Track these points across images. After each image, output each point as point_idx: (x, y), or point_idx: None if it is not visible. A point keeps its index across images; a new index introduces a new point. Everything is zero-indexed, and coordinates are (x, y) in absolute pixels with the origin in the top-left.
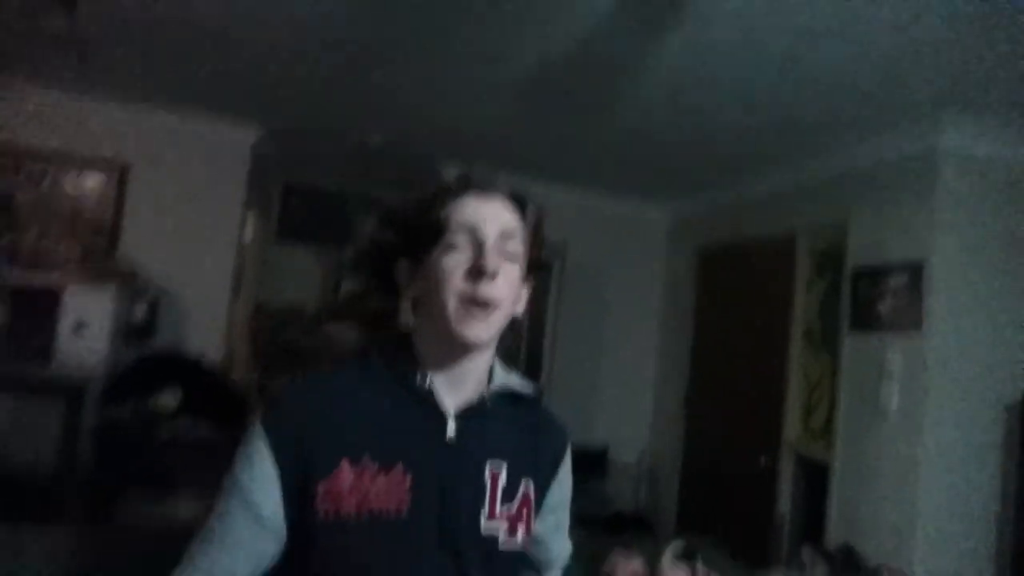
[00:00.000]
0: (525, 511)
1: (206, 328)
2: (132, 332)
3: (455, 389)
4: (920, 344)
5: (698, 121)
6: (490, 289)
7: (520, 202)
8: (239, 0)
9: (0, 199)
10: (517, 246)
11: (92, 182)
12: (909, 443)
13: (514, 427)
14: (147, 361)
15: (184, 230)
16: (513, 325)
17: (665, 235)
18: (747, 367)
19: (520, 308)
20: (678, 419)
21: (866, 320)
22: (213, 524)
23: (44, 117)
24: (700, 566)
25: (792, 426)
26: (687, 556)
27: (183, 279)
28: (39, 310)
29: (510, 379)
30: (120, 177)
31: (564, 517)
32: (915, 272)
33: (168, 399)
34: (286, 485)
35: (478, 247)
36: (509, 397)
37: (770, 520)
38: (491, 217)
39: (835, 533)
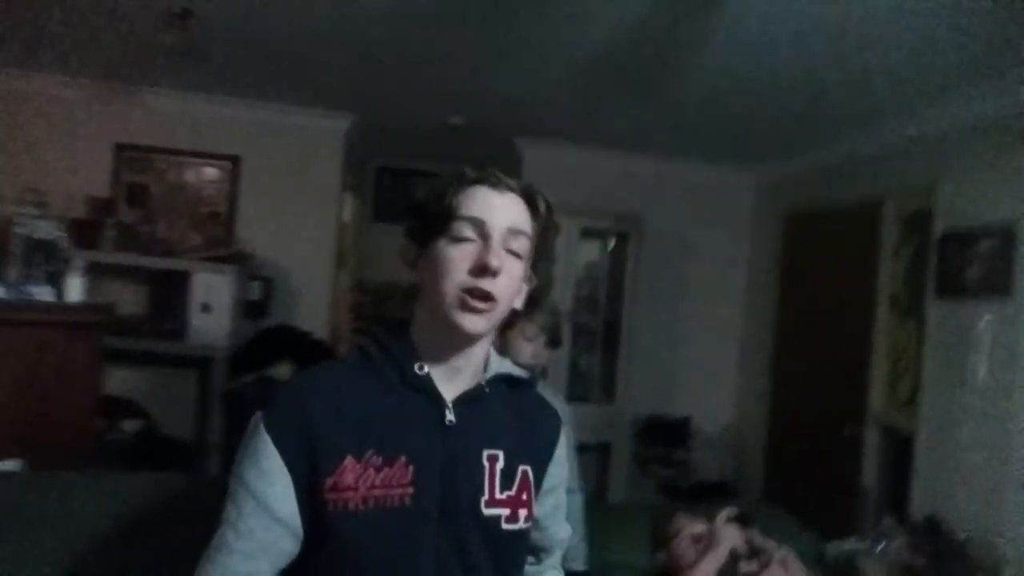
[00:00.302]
0: (525, 495)
1: (313, 304)
2: (249, 310)
3: (452, 378)
4: (1010, 311)
5: (779, 84)
6: (492, 285)
7: (531, 199)
8: (325, 2)
9: (138, 189)
10: (524, 243)
11: (210, 174)
12: (997, 413)
13: (510, 413)
14: (265, 335)
15: (289, 214)
16: (555, 314)
17: (750, 201)
18: (832, 335)
19: (519, 302)
20: (763, 389)
21: (953, 286)
22: (226, 535)
23: (168, 119)
24: (753, 530)
25: (877, 396)
26: (741, 520)
27: (291, 260)
28: (173, 293)
29: (505, 366)
30: (233, 169)
31: (561, 499)
32: (1006, 236)
33: (283, 370)
34: (298, 484)
35: (484, 241)
36: (505, 383)
37: (854, 490)
38: (500, 211)
39: (920, 504)
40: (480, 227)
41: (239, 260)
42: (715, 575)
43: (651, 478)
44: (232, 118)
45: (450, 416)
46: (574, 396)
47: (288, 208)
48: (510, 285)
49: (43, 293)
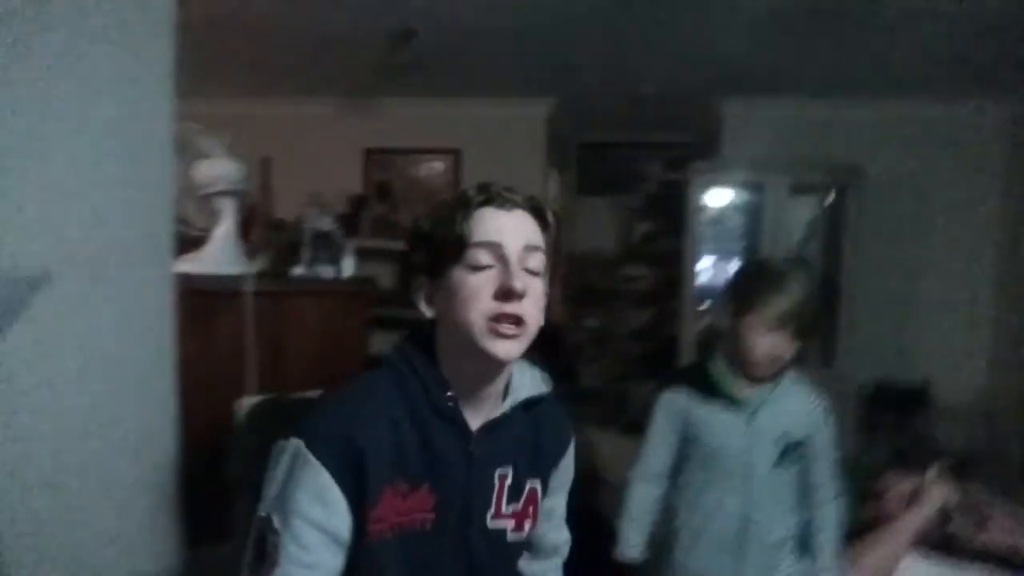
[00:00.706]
0: (531, 508)
1: None
2: None
3: (478, 406)
4: None
5: None
6: (519, 308)
7: (540, 212)
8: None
9: (383, 185)
10: (540, 259)
11: (437, 167)
12: None
13: (525, 430)
14: None
15: None
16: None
17: (1002, 135)
18: None
19: (542, 319)
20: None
21: None
22: (281, 564)
23: (402, 123)
24: (974, 486)
25: None
26: (957, 475)
27: None
28: None
29: (524, 382)
30: (455, 160)
31: (558, 504)
32: None
33: None
34: (352, 511)
35: (503, 265)
36: (524, 404)
37: None
38: (513, 231)
39: None
40: (497, 251)
41: None
42: (917, 534)
43: (880, 449)
44: (452, 117)
45: (472, 446)
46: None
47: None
48: (536, 304)
49: (327, 272)
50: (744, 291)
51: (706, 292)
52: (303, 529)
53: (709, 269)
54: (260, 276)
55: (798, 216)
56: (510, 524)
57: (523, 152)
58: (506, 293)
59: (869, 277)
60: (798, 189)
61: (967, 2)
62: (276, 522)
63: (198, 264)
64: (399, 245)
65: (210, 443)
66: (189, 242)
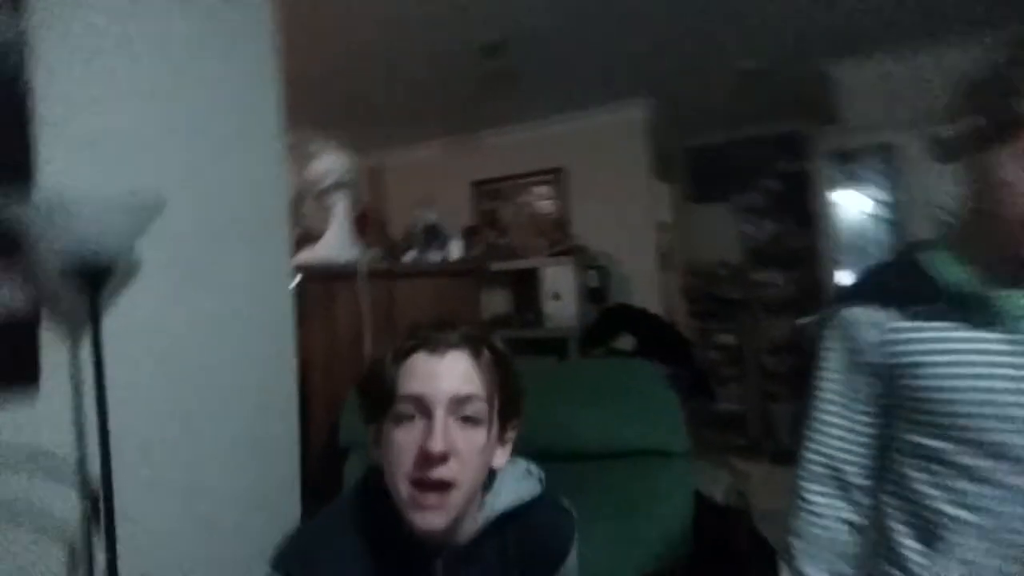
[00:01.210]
0: None
1: (643, 287)
2: (591, 296)
3: (441, 538)
4: None
5: None
6: (444, 471)
7: (476, 348)
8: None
9: (490, 215)
10: (478, 406)
11: (542, 188)
12: None
13: (507, 547)
14: (606, 314)
15: (611, 207)
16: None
17: None
18: None
19: (500, 462)
20: None
21: None
22: None
23: (503, 152)
24: None
25: None
26: None
27: (619, 248)
28: (529, 287)
29: (506, 485)
30: (560, 179)
31: None
32: None
33: (625, 342)
34: None
35: (427, 422)
36: (505, 521)
37: None
38: (442, 380)
39: None
40: (421, 403)
41: (576, 253)
42: None
43: None
44: (551, 136)
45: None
46: None
47: (610, 202)
48: (469, 462)
49: (435, 256)
50: (997, 99)
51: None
52: None
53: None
54: (375, 262)
55: (938, 180)
56: None
57: (626, 160)
58: (426, 456)
59: None
60: (939, 141)
61: None
62: None
63: (316, 253)
64: (512, 265)
65: (333, 415)
66: (311, 240)
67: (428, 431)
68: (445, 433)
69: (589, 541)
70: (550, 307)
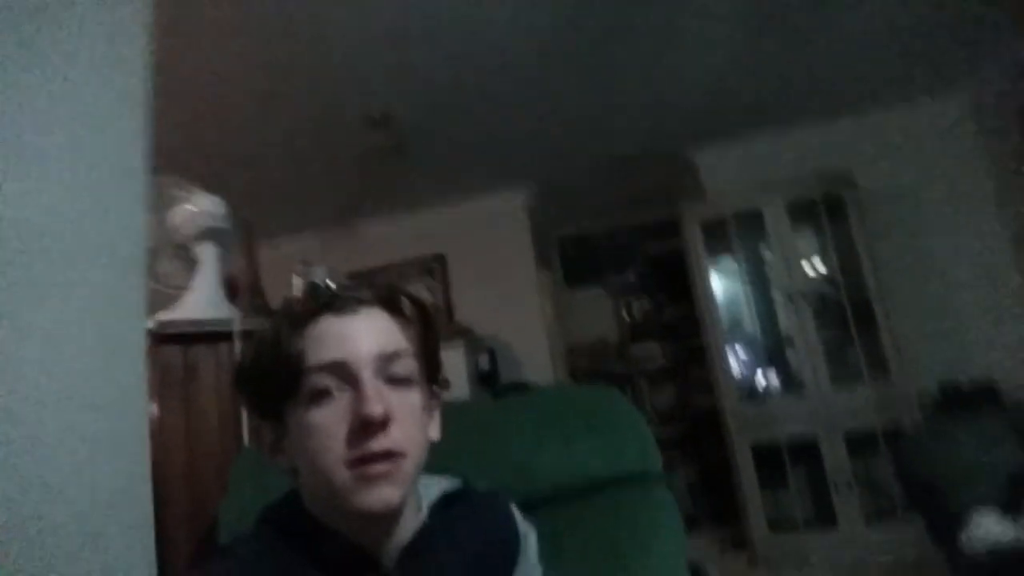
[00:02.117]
0: None
1: (535, 367)
2: (482, 378)
3: (384, 537)
4: None
5: None
6: (386, 441)
7: (392, 301)
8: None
9: None
10: (407, 363)
11: (424, 276)
12: None
13: (467, 541)
14: (503, 392)
15: (496, 292)
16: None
17: (967, 124)
18: None
19: (435, 433)
20: None
21: None
22: None
23: (381, 241)
24: None
25: None
26: None
27: (507, 331)
28: None
29: (431, 481)
30: (441, 266)
31: None
32: None
33: None
34: None
35: (354, 387)
36: (445, 506)
37: None
38: (361, 339)
39: None
40: (342, 371)
41: (464, 335)
42: None
43: None
44: (431, 223)
45: None
46: (839, 381)
47: (494, 287)
48: (410, 426)
49: None
50: None
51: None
52: None
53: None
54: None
55: (801, 239)
56: None
57: (509, 245)
58: (363, 425)
59: (898, 282)
60: (796, 210)
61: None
62: None
63: (176, 312)
64: None
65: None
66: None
67: (359, 398)
68: (379, 395)
69: None
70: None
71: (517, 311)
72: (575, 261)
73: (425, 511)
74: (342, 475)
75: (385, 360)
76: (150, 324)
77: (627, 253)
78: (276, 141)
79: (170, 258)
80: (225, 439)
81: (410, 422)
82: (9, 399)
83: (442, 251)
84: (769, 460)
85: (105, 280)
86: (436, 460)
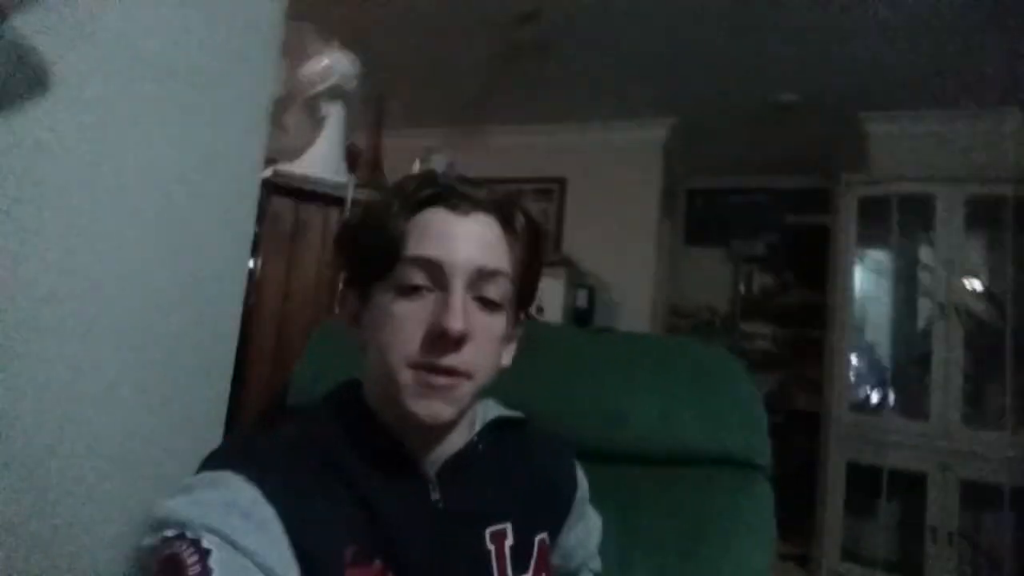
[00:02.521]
0: (545, 571)
1: (632, 318)
2: (577, 315)
3: (432, 444)
4: None
5: None
6: (456, 358)
7: (509, 215)
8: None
9: None
10: (503, 286)
11: (541, 196)
12: None
13: (515, 468)
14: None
15: (611, 230)
16: None
17: None
18: None
19: (507, 360)
20: None
21: None
22: None
23: (504, 152)
24: None
25: None
26: None
27: (612, 274)
28: None
29: (494, 409)
30: (560, 190)
31: (589, 529)
32: None
33: None
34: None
35: (442, 295)
36: (499, 433)
37: None
38: (464, 245)
39: None
40: (436, 272)
41: (568, 267)
42: None
43: None
44: (557, 143)
45: (436, 494)
46: (973, 420)
47: (610, 223)
48: (485, 351)
49: None
50: None
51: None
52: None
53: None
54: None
55: (973, 246)
56: None
57: (635, 185)
58: (440, 335)
59: None
60: (975, 204)
61: None
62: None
63: (296, 166)
64: None
65: (282, 373)
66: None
67: (443, 306)
68: (465, 310)
69: None
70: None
71: (628, 256)
72: (700, 217)
73: (476, 429)
74: (404, 375)
75: (482, 276)
76: (267, 173)
77: (761, 219)
78: (422, 20)
79: (298, 111)
80: (319, 303)
81: (487, 346)
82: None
83: (564, 174)
84: (863, 484)
85: (227, 122)
86: (518, 385)
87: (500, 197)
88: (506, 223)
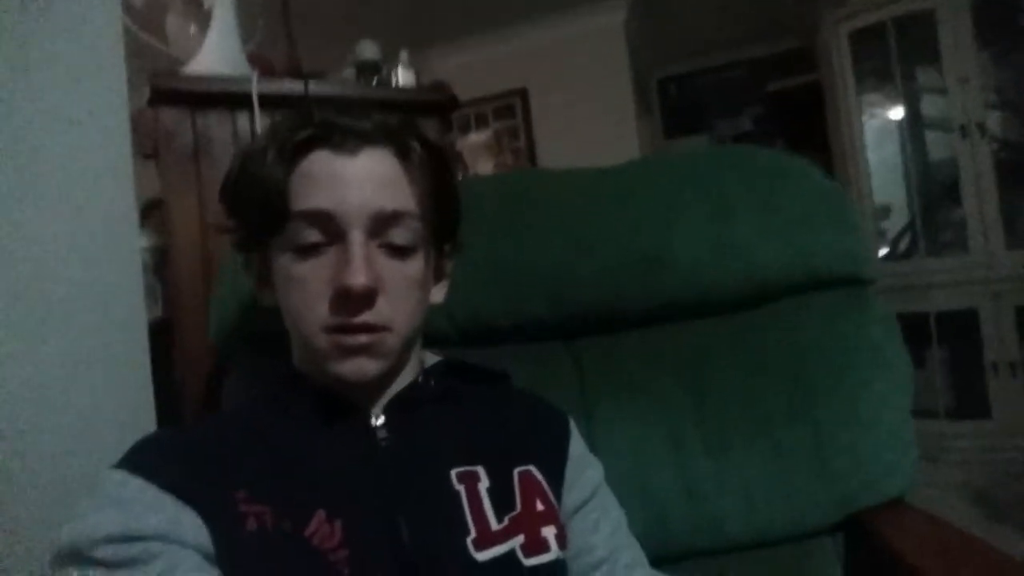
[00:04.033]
0: (541, 502)
1: None
2: None
3: (370, 393)
4: None
5: None
6: (370, 316)
7: (403, 145)
8: None
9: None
10: (410, 227)
11: (503, 114)
12: None
13: (483, 412)
14: None
15: (586, 137)
16: None
17: None
18: None
19: (440, 296)
20: None
21: None
22: None
23: (449, 74)
24: None
25: None
26: None
27: None
28: None
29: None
30: (523, 103)
31: (608, 510)
32: None
33: None
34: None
35: (341, 249)
36: (463, 376)
37: None
38: (355, 190)
39: None
40: (329, 224)
41: None
42: None
43: None
44: (512, 51)
45: (382, 432)
46: (1018, 243)
47: (584, 129)
48: (402, 301)
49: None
50: None
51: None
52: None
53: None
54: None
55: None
56: (516, 541)
57: (602, 79)
58: (344, 294)
59: None
60: (983, 10)
61: None
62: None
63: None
64: None
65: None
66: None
67: (343, 261)
68: (368, 262)
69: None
70: None
71: (608, 160)
72: (677, 106)
73: (426, 367)
74: (320, 340)
75: (382, 221)
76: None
77: (742, 94)
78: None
79: (178, 12)
80: None
81: (403, 296)
82: None
83: (523, 84)
84: (908, 335)
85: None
86: (523, 248)
87: (392, 125)
88: (403, 154)
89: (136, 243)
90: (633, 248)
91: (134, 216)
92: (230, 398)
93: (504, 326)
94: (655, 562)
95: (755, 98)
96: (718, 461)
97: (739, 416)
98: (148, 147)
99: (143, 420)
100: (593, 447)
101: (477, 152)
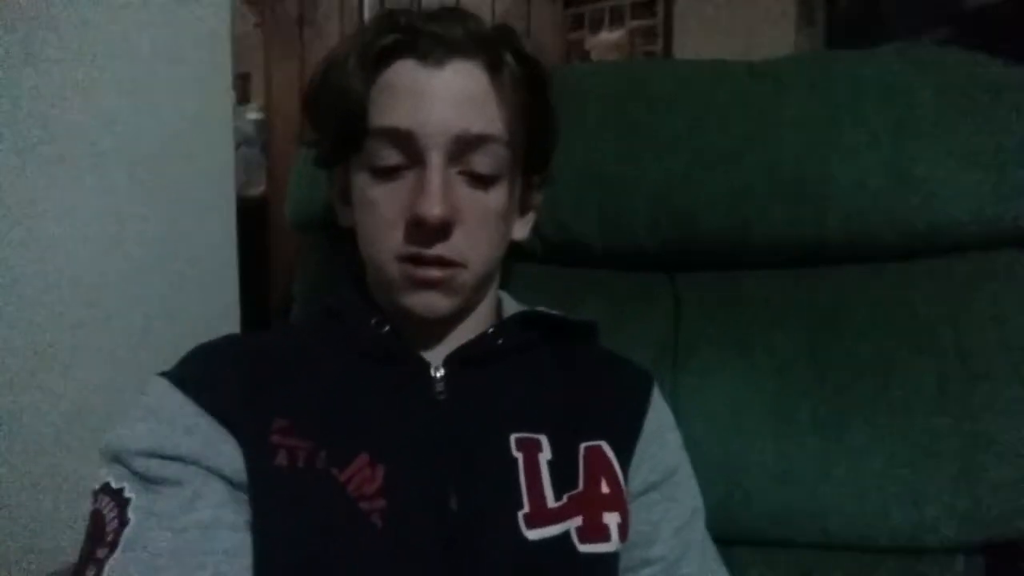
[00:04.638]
0: (607, 484)
1: None
2: None
3: (436, 335)
4: None
5: None
6: (444, 249)
7: (494, 54)
8: None
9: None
10: (496, 153)
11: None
12: None
13: (553, 374)
14: None
15: (737, 49)
16: None
17: None
18: None
19: (524, 232)
20: None
21: None
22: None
23: None
24: None
25: None
26: None
27: None
28: None
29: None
30: (665, 7)
31: (680, 505)
32: None
33: None
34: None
35: (420, 173)
36: (538, 330)
37: None
38: (438, 108)
39: None
40: (409, 145)
41: None
42: None
43: None
44: None
45: (440, 385)
46: None
47: (734, 38)
48: (480, 235)
49: None
50: None
51: None
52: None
53: None
54: None
55: None
56: (573, 523)
57: None
58: (417, 224)
59: None
60: None
61: None
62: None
63: None
64: None
65: None
66: None
67: (420, 187)
68: (445, 190)
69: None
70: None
71: None
72: (847, 17)
73: (500, 318)
74: (392, 268)
75: (465, 144)
76: None
77: (933, 8)
78: None
79: None
80: None
81: (481, 229)
82: None
83: None
84: None
85: None
86: (630, 156)
87: (485, 33)
88: (494, 69)
89: (229, 118)
90: (776, 165)
91: (229, 89)
92: (300, 295)
93: (597, 247)
94: (723, 545)
95: (948, 13)
96: (829, 442)
97: (868, 391)
98: (256, 15)
99: (227, 295)
100: (676, 406)
101: (606, 53)
